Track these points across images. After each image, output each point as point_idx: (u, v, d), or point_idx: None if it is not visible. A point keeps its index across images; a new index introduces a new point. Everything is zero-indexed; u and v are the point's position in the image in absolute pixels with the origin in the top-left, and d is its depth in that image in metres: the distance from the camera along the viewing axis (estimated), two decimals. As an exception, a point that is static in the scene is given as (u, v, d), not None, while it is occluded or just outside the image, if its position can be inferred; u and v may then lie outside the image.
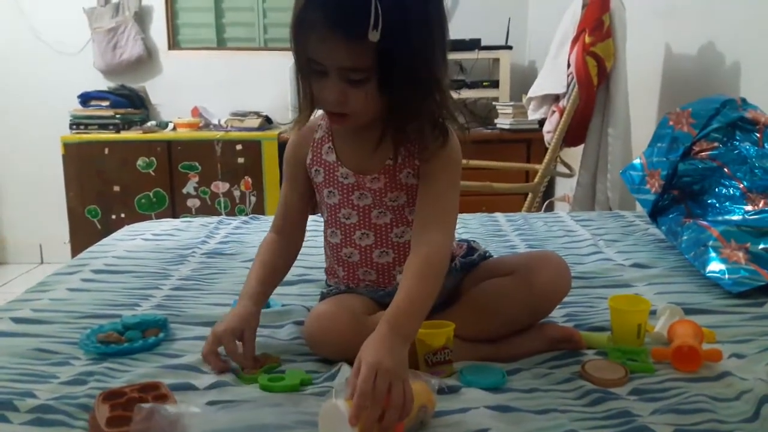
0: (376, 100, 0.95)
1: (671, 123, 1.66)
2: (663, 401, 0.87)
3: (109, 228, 3.11)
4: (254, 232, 1.82)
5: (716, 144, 1.55)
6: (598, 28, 2.22)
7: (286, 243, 1.16)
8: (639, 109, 2.35)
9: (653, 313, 1.12)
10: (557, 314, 1.20)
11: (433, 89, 0.96)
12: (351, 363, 0.94)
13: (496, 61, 3.37)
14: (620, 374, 0.94)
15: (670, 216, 1.59)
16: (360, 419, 0.74)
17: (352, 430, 0.73)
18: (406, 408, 0.78)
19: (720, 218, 1.46)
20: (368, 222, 1.08)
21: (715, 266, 1.33)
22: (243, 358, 0.99)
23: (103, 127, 3.29)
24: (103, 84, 3.57)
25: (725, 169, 1.52)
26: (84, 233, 3.21)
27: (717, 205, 1.50)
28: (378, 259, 1.08)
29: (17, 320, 1.16)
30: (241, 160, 3.25)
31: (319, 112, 1.08)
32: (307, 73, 0.97)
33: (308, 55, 0.94)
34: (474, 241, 1.20)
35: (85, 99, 3.38)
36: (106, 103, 3.36)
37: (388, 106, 0.96)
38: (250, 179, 3.26)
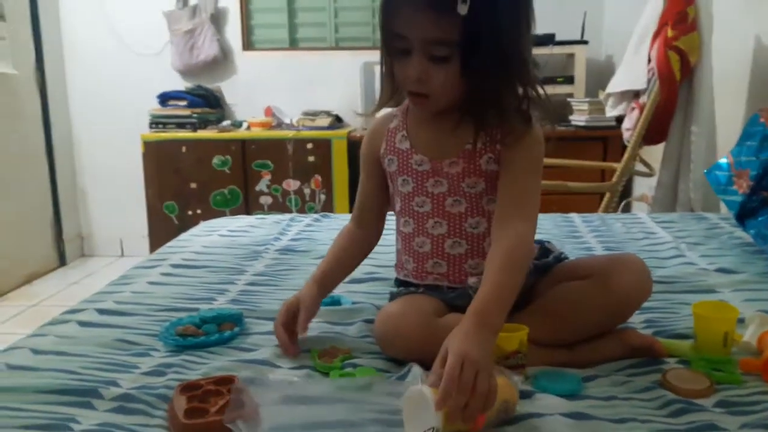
0: (458, 81, 0.95)
1: (762, 120, 1.57)
2: (752, 415, 0.82)
3: (185, 223, 3.22)
4: (325, 230, 1.84)
5: (812, 142, 1.46)
6: (681, 20, 2.12)
7: (363, 234, 1.17)
8: (724, 106, 2.23)
9: (741, 321, 1.06)
10: (636, 320, 1.15)
11: (518, 71, 0.96)
12: (420, 364, 0.95)
13: (571, 56, 3.27)
14: (705, 385, 0.89)
15: (760, 219, 1.50)
16: (445, 406, 0.74)
17: (436, 416, 0.73)
18: (490, 398, 0.77)
19: (815, 221, 1.37)
20: (442, 210, 1.06)
21: (809, 273, 1.25)
22: (284, 338, 1.02)
23: (181, 126, 3.41)
24: (180, 84, 3.69)
25: (822, 169, 1.42)
26: (162, 228, 3.34)
27: (812, 207, 1.41)
28: (450, 249, 1.06)
29: (101, 311, 1.21)
30: (311, 158, 3.29)
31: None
32: (392, 52, 0.99)
33: (394, 30, 0.96)
34: (548, 242, 1.16)
35: (164, 99, 3.51)
36: (183, 103, 3.47)
37: (468, 91, 0.97)
38: (320, 177, 3.30)
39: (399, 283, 1.16)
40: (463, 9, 0.88)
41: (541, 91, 0.99)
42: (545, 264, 1.11)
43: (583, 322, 1.01)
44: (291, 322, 1.05)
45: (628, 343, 1.02)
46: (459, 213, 1.05)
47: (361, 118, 3.33)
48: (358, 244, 1.17)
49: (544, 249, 1.14)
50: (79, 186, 3.91)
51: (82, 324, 1.14)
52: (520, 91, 0.97)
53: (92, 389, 0.88)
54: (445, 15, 0.90)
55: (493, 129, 1.00)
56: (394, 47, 0.98)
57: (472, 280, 1.05)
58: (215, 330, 1.09)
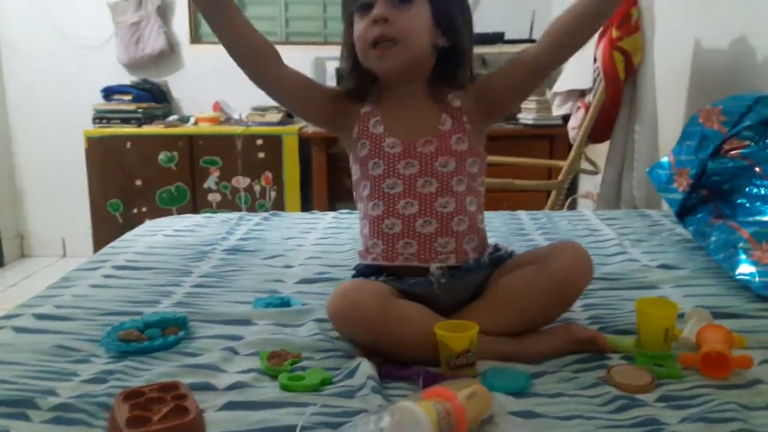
0: (427, 29, 1.02)
1: (701, 120, 1.62)
2: (692, 409, 0.84)
3: (130, 222, 3.14)
4: (275, 229, 1.82)
5: (748, 142, 1.51)
6: (625, 21, 2.18)
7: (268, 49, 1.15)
8: (667, 106, 2.30)
9: (681, 316, 1.09)
10: (581, 316, 1.18)
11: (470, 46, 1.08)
12: (374, 344, 0.97)
13: (520, 55, 3.32)
14: (647, 380, 0.91)
15: (699, 216, 1.55)
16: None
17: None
18: None
19: (750, 219, 1.42)
20: (413, 191, 1.08)
21: (745, 268, 1.29)
22: None
23: (126, 121, 3.32)
24: (125, 78, 3.59)
25: (756, 169, 1.48)
26: (106, 227, 3.25)
27: (747, 205, 1.46)
28: (421, 228, 1.07)
29: (39, 316, 1.16)
30: (261, 155, 3.25)
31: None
32: (354, 16, 1.04)
33: None
34: (498, 244, 1.19)
35: (108, 93, 3.41)
36: (128, 98, 3.38)
37: (441, 49, 1.05)
38: (270, 174, 3.27)
39: (360, 273, 1.15)
40: None
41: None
42: (498, 257, 1.14)
43: (528, 306, 1.04)
44: None
45: (573, 336, 1.04)
46: (429, 193, 1.08)
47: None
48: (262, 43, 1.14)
49: (496, 248, 1.17)
50: (17, 183, 3.76)
51: (18, 330, 1.10)
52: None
53: (28, 399, 0.84)
54: None
55: (457, 111, 1.08)
56: (356, 8, 1.03)
57: (433, 267, 1.07)
58: (159, 334, 1.06)
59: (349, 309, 0.97)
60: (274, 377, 0.94)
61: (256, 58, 1.12)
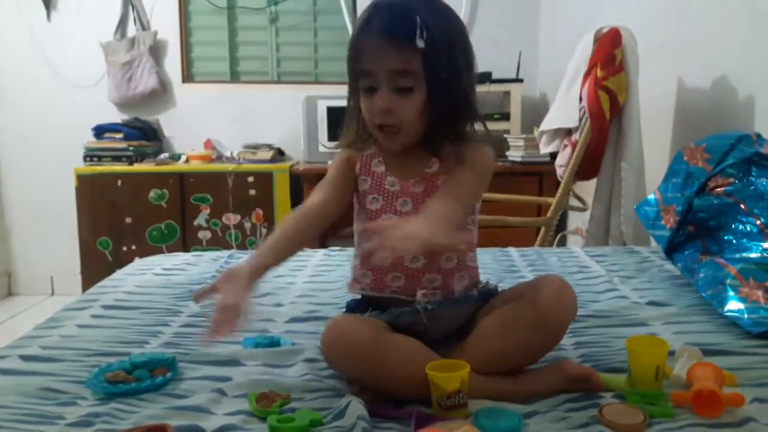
0: (424, 109, 1.06)
1: (686, 158, 1.64)
2: (684, 448, 0.84)
3: (120, 260, 3.12)
4: (265, 267, 1.81)
5: (732, 180, 1.53)
6: (610, 62, 2.22)
7: (320, 201, 1.14)
8: (652, 144, 2.34)
9: (671, 354, 1.09)
10: (573, 354, 1.17)
11: (470, 106, 1.11)
12: (366, 378, 0.97)
13: (507, 93, 3.38)
14: (639, 419, 0.91)
15: (686, 252, 1.56)
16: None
17: None
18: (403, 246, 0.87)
19: (737, 255, 1.43)
20: None
21: (733, 305, 1.30)
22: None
23: (117, 159, 3.33)
24: (117, 117, 3.61)
25: (741, 205, 1.50)
26: (95, 265, 3.22)
27: (734, 241, 1.48)
28: (409, 264, 1.11)
29: (25, 358, 1.14)
30: (252, 192, 3.26)
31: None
32: (361, 90, 1.09)
33: (361, 67, 1.07)
34: (489, 281, 1.21)
35: (99, 131, 3.42)
36: (119, 136, 3.40)
37: (428, 123, 1.08)
38: (261, 211, 3.27)
39: (350, 309, 1.18)
40: (420, 42, 1.01)
41: (483, 126, 1.15)
42: (487, 291, 1.16)
43: (515, 342, 1.03)
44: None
45: (567, 374, 1.04)
46: None
47: (304, 151, 3.32)
48: (313, 214, 1.12)
49: (486, 284, 1.19)
50: (5, 220, 3.74)
51: (4, 372, 1.08)
52: (469, 122, 1.12)
53: (12, 444, 0.83)
54: (406, 46, 1.02)
55: (448, 156, 1.11)
56: (361, 87, 1.08)
57: (420, 294, 1.09)
58: (147, 376, 1.05)
59: (341, 339, 0.98)
60: (263, 419, 0.93)
61: (321, 224, 1.15)
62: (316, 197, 1.15)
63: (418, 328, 1.07)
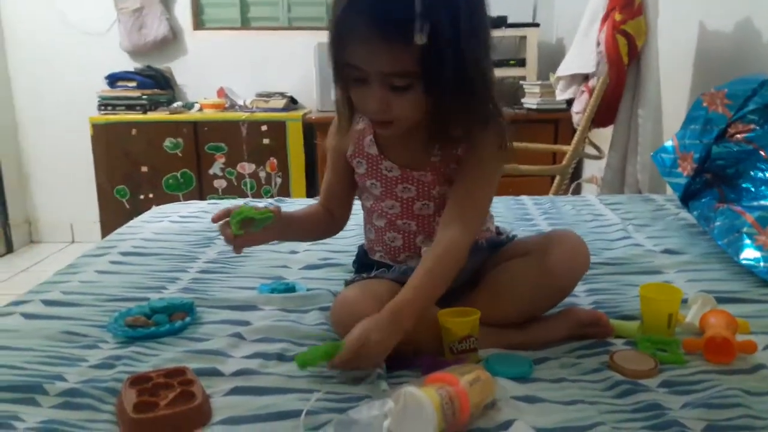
0: (422, 104, 0.93)
1: (705, 104, 1.61)
2: (694, 394, 0.85)
3: (137, 208, 3.15)
4: (279, 215, 1.82)
5: (753, 126, 1.50)
6: (628, 5, 2.15)
7: (328, 216, 1.18)
8: (671, 90, 2.29)
9: (685, 301, 1.09)
10: (585, 302, 1.18)
11: (481, 91, 0.95)
12: None
13: (523, 39, 3.30)
14: (650, 365, 0.92)
15: (703, 200, 1.55)
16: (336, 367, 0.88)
17: (432, 416, 0.72)
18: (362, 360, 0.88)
19: (755, 203, 1.42)
20: (411, 213, 1.09)
21: (749, 253, 1.29)
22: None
23: (131, 107, 3.32)
24: (129, 65, 3.58)
25: (761, 152, 1.47)
26: (113, 213, 3.26)
27: (752, 189, 1.46)
28: (421, 243, 1.10)
29: (47, 302, 1.17)
30: (266, 141, 3.25)
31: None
32: (346, 79, 0.95)
33: (349, 61, 0.91)
34: (500, 227, 1.20)
35: (113, 80, 3.40)
36: (133, 84, 3.38)
37: (433, 107, 0.94)
38: (275, 160, 3.27)
39: (357, 266, 1.18)
40: (420, 39, 0.84)
41: (502, 109, 1.01)
42: (497, 242, 1.14)
43: (522, 298, 1.04)
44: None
45: (576, 319, 1.05)
46: (428, 215, 1.09)
47: (317, 100, 3.29)
48: (324, 221, 1.17)
49: (498, 231, 1.18)
50: (24, 170, 3.78)
51: (27, 316, 1.11)
52: (481, 107, 0.97)
53: (36, 385, 0.86)
54: (402, 47, 0.86)
55: (456, 142, 1.02)
56: (348, 76, 0.94)
57: (424, 249, 1.08)
58: (166, 320, 1.07)
59: (349, 320, 0.95)
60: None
61: (332, 211, 1.17)
62: (322, 203, 1.16)
63: None
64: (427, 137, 1.01)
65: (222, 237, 1.00)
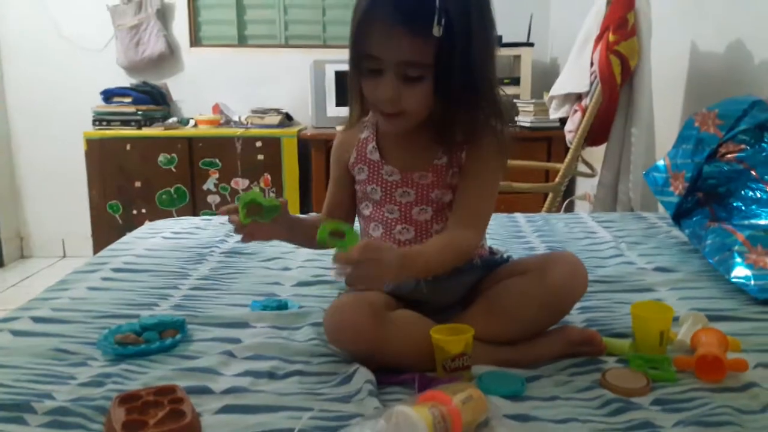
0: (429, 99, 0.98)
1: (697, 124, 1.62)
2: (686, 412, 0.85)
3: (130, 223, 3.15)
4: (273, 231, 1.82)
5: (743, 146, 1.52)
6: (622, 26, 2.18)
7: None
8: (663, 109, 2.31)
9: (676, 319, 1.10)
10: (578, 319, 1.18)
11: (486, 93, 1.00)
12: (369, 357, 0.96)
13: (518, 58, 3.33)
14: (642, 383, 0.92)
15: (694, 219, 1.55)
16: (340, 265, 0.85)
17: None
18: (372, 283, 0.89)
19: (746, 222, 1.43)
20: (409, 218, 1.10)
21: (740, 272, 1.30)
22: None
23: (125, 123, 3.32)
24: (125, 81, 3.59)
25: (752, 172, 1.48)
26: (106, 228, 3.25)
27: (743, 208, 1.47)
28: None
29: (37, 319, 1.16)
30: (260, 156, 3.26)
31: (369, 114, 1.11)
32: (362, 71, 1.00)
33: (367, 51, 0.97)
34: (492, 248, 1.20)
35: (108, 95, 3.41)
36: (128, 100, 3.38)
37: (439, 108, 1.00)
38: (269, 176, 3.27)
39: None
40: (437, 31, 0.91)
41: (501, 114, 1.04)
42: (492, 261, 1.14)
43: (521, 317, 1.03)
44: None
45: (570, 339, 1.05)
46: (425, 220, 1.10)
47: (312, 116, 3.31)
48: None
49: (491, 251, 1.18)
50: (17, 184, 3.77)
51: (16, 333, 1.10)
52: (486, 109, 1.02)
53: (24, 403, 0.85)
54: (421, 37, 0.92)
55: (460, 146, 1.05)
56: (365, 67, 0.99)
57: None
58: (156, 337, 1.06)
59: (343, 325, 0.96)
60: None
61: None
62: (326, 216, 1.17)
63: (418, 297, 1.07)
64: (429, 140, 1.04)
65: (229, 223, 1.00)
